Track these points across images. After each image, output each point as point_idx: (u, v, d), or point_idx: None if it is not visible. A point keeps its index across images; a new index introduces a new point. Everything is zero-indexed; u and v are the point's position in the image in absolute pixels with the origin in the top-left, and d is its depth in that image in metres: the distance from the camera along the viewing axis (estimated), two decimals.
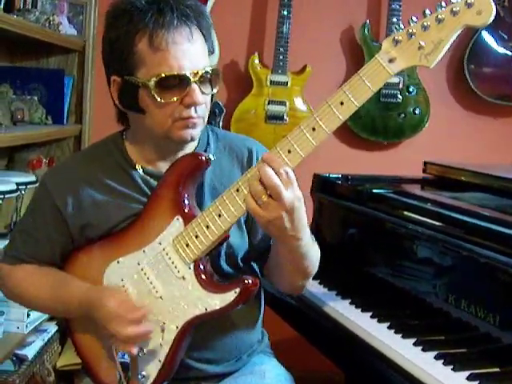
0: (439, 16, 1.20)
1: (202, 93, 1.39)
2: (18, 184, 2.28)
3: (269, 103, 3.01)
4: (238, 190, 1.30)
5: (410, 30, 1.22)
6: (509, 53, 3.14)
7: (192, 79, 1.37)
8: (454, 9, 1.19)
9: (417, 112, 3.11)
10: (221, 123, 3.01)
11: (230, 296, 1.33)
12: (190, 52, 1.37)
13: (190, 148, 1.51)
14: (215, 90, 1.44)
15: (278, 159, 1.27)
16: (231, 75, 3.14)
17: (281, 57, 2.98)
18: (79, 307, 1.45)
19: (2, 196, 2.18)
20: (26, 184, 2.33)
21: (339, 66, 3.19)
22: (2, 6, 2.26)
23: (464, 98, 3.26)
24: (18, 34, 2.34)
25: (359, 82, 1.24)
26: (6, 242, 1.65)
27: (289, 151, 1.26)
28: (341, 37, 3.18)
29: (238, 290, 1.33)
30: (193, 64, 1.37)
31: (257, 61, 3.02)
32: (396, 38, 1.23)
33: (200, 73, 1.38)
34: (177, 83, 1.36)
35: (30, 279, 1.54)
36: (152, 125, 1.42)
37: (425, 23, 1.21)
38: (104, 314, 1.37)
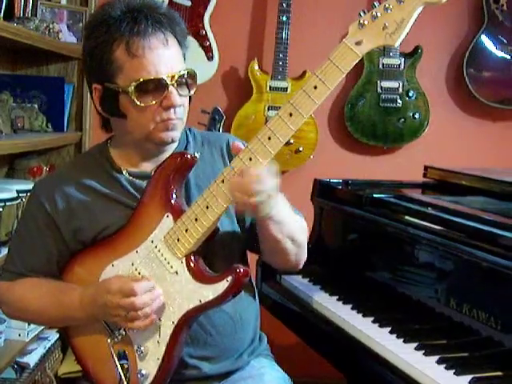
0: None
1: (180, 95, 1.45)
2: (18, 192, 2.28)
3: (269, 109, 3.01)
4: (223, 181, 1.34)
5: (374, 13, 1.28)
6: (508, 57, 3.14)
7: (169, 82, 1.42)
8: None
9: (416, 116, 3.11)
10: (221, 129, 3.01)
11: (223, 285, 1.35)
12: (166, 56, 1.43)
13: (171, 148, 1.55)
14: (192, 92, 1.50)
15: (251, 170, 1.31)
16: (231, 81, 3.15)
17: (280, 62, 2.98)
18: (81, 307, 1.45)
19: (2, 204, 2.18)
20: (26, 191, 2.33)
21: None
22: (1, 15, 2.26)
23: (463, 102, 3.26)
24: (18, 42, 2.35)
25: (330, 66, 1.29)
26: (7, 249, 1.65)
27: (269, 138, 1.31)
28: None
29: (229, 278, 1.35)
30: (169, 68, 1.43)
31: (256, 67, 3.03)
32: (361, 21, 1.29)
33: (176, 76, 1.43)
34: (155, 87, 1.42)
35: (31, 291, 1.55)
36: (133, 128, 1.47)
37: (386, 5, 1.27)
38: (111, 295, 1.38)
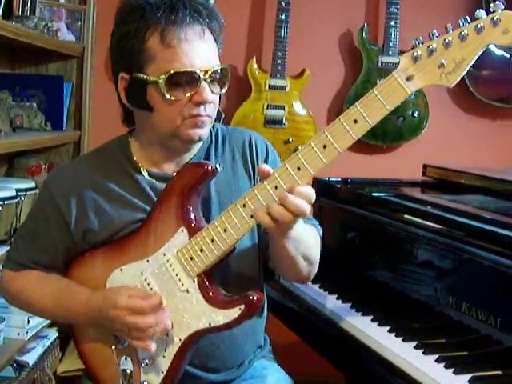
0: (462, 33, 1.14)
1: (212, 92, 1.39)
2: (17, 190, 2.28)
3: (267, 107, 3.02)
4: (244, 206, 1.27)
5: (431, 46, 1.15)
6: (507, 55, 3.14)
7: (202, 77, 1.36)
8: (479, 25, 1.13)
9: (416, 115, 3.11)
10: None
11: (235, 312, 1.31)
12: (201, 50, 1.38)
13: (196, 147, 1.50)
14: (224, 90, 1.45)
15: (296, 186, 1.24)
16: (230, 80, 3.14)
17: (279, 61, 2.98)
18: (85, 313, 1.42)
19: (1, 202, 2.18)
20: (25, 190, 2.34)
21: (338, 70, 3.19)
22: (0, 13, 2.26)
23: (463, 100, 3.26)
24: (16, 41, 2.35)
25: (374, 100, 1.18)
26: (6, 248, 1.65)
27: (298, 168, 1.23)
28: (339, 40, 3.19)
29: (242, 306, 1.31)
30: (203, 62, 1.37)
31: (255, 65, 3.03)
32: (415, 53, 1.16)
33: (210, 71, 1.38)
34: (187, 80, 1.36)
35: (34, 286, 1.52)
36: (160, 123, 1.41)
37: (446, 39, 1.15)
38: (118, 311, 1.34)
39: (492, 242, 1.52)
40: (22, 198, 2.32)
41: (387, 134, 3.14)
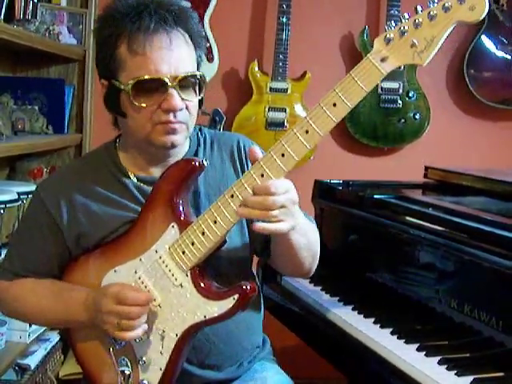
0: (431, 12, 1.18)
1: (182, 98, 1.39)
2: (19, 193, 2.28)
3: (269, 110, 3.02)
4: (232, 196, 1.29)
5: (402, 28, 1.20)
6: (508, 57, 3.14)
7: (170, 84, 1.37)
8: (446, 4, 1.18)
9: (417, 117, 3.11)
10: (221, 131, 3.01)
11: (229, 303, 1.32)
12: (168, 57, 1.37)
13: (180, 152, 1.51)
14: (200, 97, 1.44)
15: (264, 185, 1.25)
16: (231, 82, 3.15)
17: (280, 63, 2.98)
18: (84, 309, 1.42)
19: (3, 206, 2.18)
20: (27, 193, 2.33)
21: (339, 72, 3.19)
22: (1, 17, 2.26)
23: (464, 102, 3.26)
24: (18, 44, 2.35)
25: (352, 83, 1.22)
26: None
27: (282, 155, 1.25)
28: (340, 43, 3.19)
29: (236, 296, 1.32)
30: (171, 69, 1.37)
31: (256, 68, 3.03)
32: (388, 36, 1.21)
33: (179, 78, 1.37)
34: (154, 87, 1.37)
35: (29, 293, 1.53)
36: (133, 129, 1.44)
37: (416, 20, 1.19)
38: (106, 299, 1.35)
39: (494, 244, 1.52)
40: (24, 202, 2.31)
41: (388, 136, 3.14)
